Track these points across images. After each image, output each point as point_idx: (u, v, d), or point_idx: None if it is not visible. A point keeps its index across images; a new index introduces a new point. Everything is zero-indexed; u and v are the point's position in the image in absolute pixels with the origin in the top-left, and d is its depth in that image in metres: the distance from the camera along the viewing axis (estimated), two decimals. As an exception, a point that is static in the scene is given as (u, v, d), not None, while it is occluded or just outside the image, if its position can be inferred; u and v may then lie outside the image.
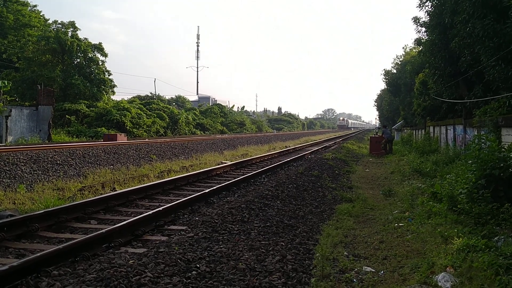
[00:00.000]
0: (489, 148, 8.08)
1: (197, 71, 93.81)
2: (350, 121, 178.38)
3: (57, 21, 43.12)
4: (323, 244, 6.92)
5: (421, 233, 7.42)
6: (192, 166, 17.32)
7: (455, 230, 6.79)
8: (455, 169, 12.46)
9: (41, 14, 53.32)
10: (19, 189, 10.97)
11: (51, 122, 29.62)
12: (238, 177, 13.74)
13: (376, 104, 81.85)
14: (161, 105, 48.05)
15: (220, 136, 40.80)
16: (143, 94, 68.08)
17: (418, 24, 20.32)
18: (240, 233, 6.96)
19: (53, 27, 43.18)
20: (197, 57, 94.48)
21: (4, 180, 11.72)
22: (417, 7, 18.63)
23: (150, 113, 42.55)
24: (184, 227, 7.27)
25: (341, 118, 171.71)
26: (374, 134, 31.80)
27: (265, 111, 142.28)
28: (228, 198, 10.38)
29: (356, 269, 5.87)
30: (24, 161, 13.58)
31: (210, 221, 7.37)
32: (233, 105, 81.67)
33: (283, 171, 15.60)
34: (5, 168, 12.55)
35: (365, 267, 5.98)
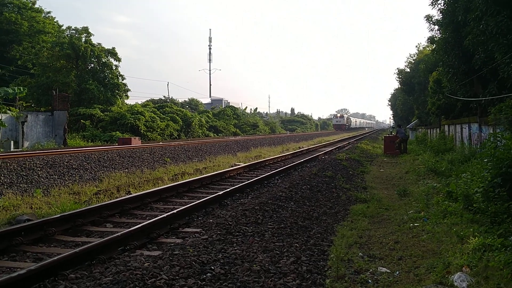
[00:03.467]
0: (504, 146, 7.99)
1: (210, 74, 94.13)
2: (354, 119, 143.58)
3: (71, 27, 43.72)
4: (338, 245, 6.90)
5: (437, 232, 7.37)
6: (205, 169, 17.38)
7: (471, 230, 6.73)
8: (471, 168, 12.33)
9: (55, 20, 54.03)
10: (36, 194, 11.10)
11: (66, 127, 29.96)
12: (251, 178, 13.75)
13: (390, 103, 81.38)
14: (175, 108, 48.31)
15: (233, 138, 40.89)
16: (156, 97, 68.50)
17: (431, 22, 20.17)
18: (254, 234, 6.98)
19: (67, 33, 43.75)
20: (210, 59, 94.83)
21: (21, 185, 11.88)
22: (429, 5, 18.49)
23: (164, 116, 42.78)
24: (198, 230, 7.30)
25: (338, 115, 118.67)
26: (388, 134, 31.61)
27: (278, 112, 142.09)
28: (241, 200, 10.40)
29: (371, 270, 5.84)
30: (41, 166, 13.75)
31: (224, 223, 7.40)
32: (246, 107, 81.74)
33: (297, 172, 15.58)
34: (22, 173, 12.73)
35: (380, 267, 5.95)
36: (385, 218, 9.23)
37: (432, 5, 18.44)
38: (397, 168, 19.13)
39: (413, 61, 42.68)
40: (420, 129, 40.99)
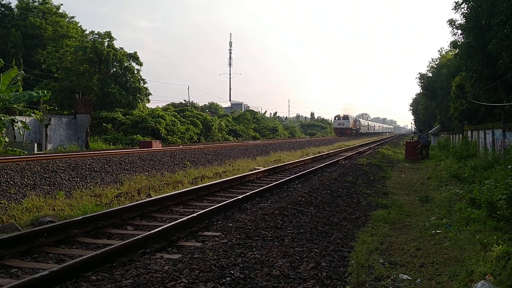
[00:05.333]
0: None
1: (230, 78, 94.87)
2: (365, 122, 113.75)
3: (94, 31, 44.43)
4: (358, 251, 6.84)
5: (459, 240, 7.25)
6: (225, 172, 17.43)
7: (495, 237, 6.61)
8: (494, 174, 12.12)
9: (78, 25, 54.97)
10: (58, 196, 11.27)
11: (88, 130, 30.39)
12: (271, 183, 13.73)
13: (411, 108, 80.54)
14: (195, 112, 48.65)
15: (253, 142, 40.92)
16: (177, 101, 69.18)
17: (454, 26, 19.93)
18: (273, 239, 6.96)
19: (90, 38, 44.48)
20: (230, 64, 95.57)
21: (44, 187, 12.07)
22: (452, 9, 18.27)
23: (184, 120, 43.11)
24: (218, 233, 7.31)
25: (341, 115, 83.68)
26: (410, 139, 31.29)
27: (298, 116, 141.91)
28: (261, 204, 10.39)
29: (392, 277, 5.77)
30: (63, 168, 13.95)
31: (243, 227, 7.39)
32: (266, 111, 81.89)
33: (317, 177, 15.51)
34: (45, 175, 12.93)
35: (402, 274, 5.87)
36: (406, 224, 9.12)
37: (455, 9, 18.22)
38: (418, 173, 18.90)
39: (435, 66, 42.21)
40: (442, 135, 40.48)
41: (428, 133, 42.10)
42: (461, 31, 19.20)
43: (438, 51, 45.29)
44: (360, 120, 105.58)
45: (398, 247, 7.34)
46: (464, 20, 18.14)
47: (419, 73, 42.95)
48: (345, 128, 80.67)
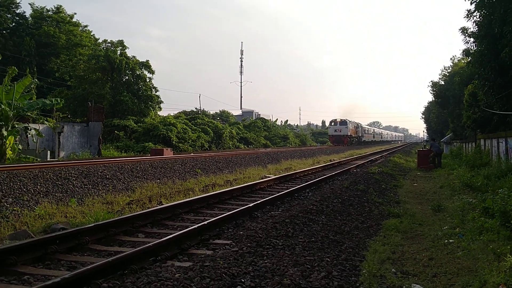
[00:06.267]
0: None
1: (241, 86, 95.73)
2: (370, 129, 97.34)
3: (107, 40, 44.88)
4: (370, 261, 6.79)
5: (473, 249, 7.17)
6: (236, 180, 17.43)
7: (508, 247, 6.55)
8: (508, 183, 12.01)
9: (91, 33, 55.57)
10: (70, 203, 11.34)
11: (101, 137, 30.63)
12: (282, 191, 13.70)
13: (423, 116, 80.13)
14: (206, 119, 48.87)
15: (264, 149, 40.91)
16: (188, 109, 69.63)
17: (466, 34, 19.85)
18: (284, 248, 6.93)
19: (103, 46, 44.96)
20: (241, 72, 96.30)
21: (56, 194, 12.16)
22: (464, 17, 18.21)
23: (195, 127, 43.30)
24: (228, 241, 7.30)
25: (338, 120, 70.66)
26: (422, 148, 31.10)
27: (309, 124, 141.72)
28: (272, 212, 10.36)
29: (404, 287, 5.72)
30: (76, 175, 14.06)
31: (254, 236, 7.38)
32: (276, 119, 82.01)
33: (328, 185, 15.45)
34: (57, 182, 13.03)
35: (414, 284, 5.81)
36: (418, 233, 9.05)
37: (467, 18, 18.17)
38: (431, 182, 18.76)
39: (447, 74, 42.01)
40: (455, 143, 40.18)
41: (441, 142, 41.80)
42: (474, 39, 19.13)
43: (451, 59, 45.21)
44: (363, 126, 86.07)
45: (411, 256, 7.27)
46: (477, 28, 18.08)
47: (431, 81, 42.82)
48: (342, 136, 67.23)
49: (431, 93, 43.14)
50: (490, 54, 17.07)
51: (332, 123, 70.90)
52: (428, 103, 68.88)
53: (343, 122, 68.18)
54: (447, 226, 9.43)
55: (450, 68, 42.41)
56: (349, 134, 67.85)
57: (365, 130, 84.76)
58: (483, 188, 13.57)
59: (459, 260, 6.85)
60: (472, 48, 20.31)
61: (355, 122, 76.77)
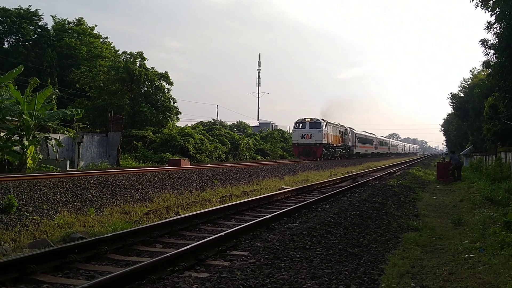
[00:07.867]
0: None
1: (258, 97, 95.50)
2: (370, 135, 71.86)
3: (127, 51, 45.50)
4: (389, 274, 6.69)
5: (494, 264, 7.03)
6: (253, 191, 17.40)
7: (531, 263, 6.39)
8: (530, 197, 11.78)
9: (112, 45, 56.40)
10: (89, 212, 11.43)
11: (119, 147, 30.93)
12: (299, 203, 13.64)
13: (442, 129, 79.31)
14: (223, 130, 49.07)
15: (281, 161, 40.76)
16: (206, 120, 70.02)
17: (486, 46, 19.64)
18: (302, 260, 6.88)
19: (122, 58, 45.59)
20: (258, 83, 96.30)
21: (75, 203, 12.27)
22: (484, 29, 18.03)
23: (213, 138, 43.48)
24: (246, 253, 7.28)
25: (307, 119, 42.68)
26: (441, 160, 30.74)
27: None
28: (289, 224, 10.31)
29: (424, 302, 5.62)
30: (94, 185, 14.19)
31: (271, 247, 7.34)
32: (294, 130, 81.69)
33: (346, 198, 15.33)
34: (76, 192, 13.16)
35: (434, 299, 5.71)
36: (438, 247, 8.90)
37: (487, 29, 17.99)
38: (450, 195, 18.49)
39: (467, 86, 41.60)
40: (475, 156, 39.64)
41: (460, 154, 41.27)
42: (494, 51, 18.91)
43: (470, 71, 44.73)
44: (355, 131, 59.53)
45: (430, 270, 7.15)
46: (497, 40, 17.87)
47: (451, 93, 42.45)
48: (312, 145, 41.95)
49: (450, 105, 42.76)
50: (511, 66, 16.86)
51: (298, 125, 44.00)
52: (447, 115, 68.30)
53: (315, 124, 42.54)
54: (467, 240, 9.27)
55: (470, 80, 42.00)
56: (324, 142, 42.34)
57: (360, 137, 61.56)
58: (504, 202, 13.36)
59: (480, 275, 6.71)
60: (492, 60, 20.07)
61: (341, 125, 51.29)
